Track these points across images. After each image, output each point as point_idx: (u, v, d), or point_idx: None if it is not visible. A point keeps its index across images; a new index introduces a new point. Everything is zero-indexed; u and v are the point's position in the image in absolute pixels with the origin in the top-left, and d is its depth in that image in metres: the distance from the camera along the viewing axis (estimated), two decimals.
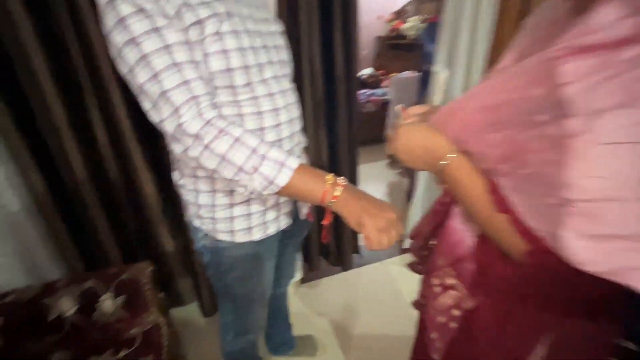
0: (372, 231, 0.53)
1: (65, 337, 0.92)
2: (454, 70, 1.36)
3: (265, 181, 0.54)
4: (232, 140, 0.54)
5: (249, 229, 0.72)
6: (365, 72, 4.05)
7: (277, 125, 0.69)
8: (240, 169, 0.54)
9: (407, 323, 1.51)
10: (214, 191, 0.69)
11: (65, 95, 1.02)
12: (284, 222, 0.79)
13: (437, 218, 0.64)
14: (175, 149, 0.56)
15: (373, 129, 3.40)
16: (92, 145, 1.11)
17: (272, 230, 0.76)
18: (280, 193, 0.57)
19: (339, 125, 1.46)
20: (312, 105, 1.35)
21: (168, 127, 0.54)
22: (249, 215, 0.71)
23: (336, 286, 1.71)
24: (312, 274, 1.74)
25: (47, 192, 1.06)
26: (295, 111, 0.75)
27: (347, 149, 1.56)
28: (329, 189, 0.55)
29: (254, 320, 0.90)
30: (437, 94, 1.42)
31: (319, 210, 1.79)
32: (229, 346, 0.96)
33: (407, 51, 4.01)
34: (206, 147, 0.54)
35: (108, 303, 0.94)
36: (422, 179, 1.75)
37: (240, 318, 0.87)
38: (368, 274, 1.80)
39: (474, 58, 1.32)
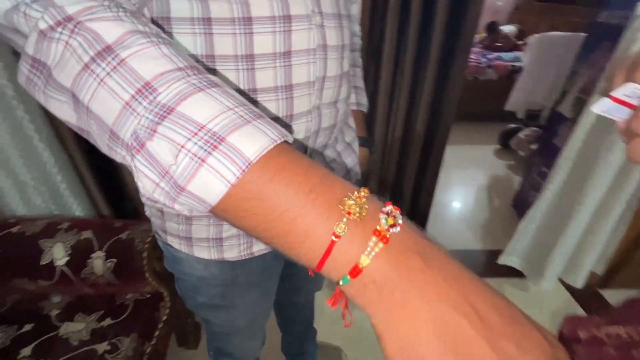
0: None
1: (57, 286, 0.82)
2: None
3: (165, 181, 0.20)
4: (95, 50, 0.20)
5: (218, 240, 0.43)
6: (506, 29, 3.17)
7: (287, 53, 0.34)
8: (110, 134, 0.21)
9: None
10: None
11: None
12: None
13: None
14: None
15: (488, 102, 2.70)
16: None
17: (260, 247, 0.46)
18: (218, 214, 0.21)
19: (430, 90, 1.02)
20: (394, 49, 0.93)
21: None
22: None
23: None
24: None
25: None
26: (335, 33, 0.39)
27: (435, 124, 1.11)
28: (351, 238, 0.19)
29: (236, 350, 0.65)
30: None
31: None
32: None
33: (562, 2, 2.96)
34: (31, 60, 0.21)
35: (98, 263, 0.80)
36: (557, 181, 1.19)
37: (218, 343, 0.63)
38: None
39: None
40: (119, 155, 0.21)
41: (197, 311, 0.55)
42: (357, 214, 0.20)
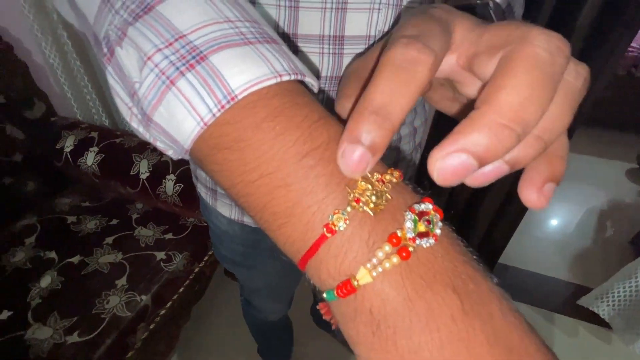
0: None
1: (139, 194, 0.97)
2: None
3: (134, 103, 0.16)
4: None
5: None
6: None
7: None
8: (94, 39, 0.18)
9: None
10: None
11: None
12: None
13: None
14: None
15: (638, 109, 2.12)
16: None
17: None
18: (196, 162, 0.18)
19: None
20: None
21: None
22: None
23: None
24: None
25: None
26: None
27: None
28: (351, 238, 0.13)
29: (259, 306, 0.67)
30: None
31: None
32: (242, 305, 0.79)
33: None
34: None
35: (169, 185, 0.90)
36: None
37: (245, 294, 0.66)
38: None
39: None
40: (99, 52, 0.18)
41: (222, 262, 0.57)
42: (371, 205, 0.13)
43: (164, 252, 0.88)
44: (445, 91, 0.20)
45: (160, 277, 0.84)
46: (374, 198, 0.13)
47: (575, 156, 2.07)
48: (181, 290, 0.89)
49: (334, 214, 0.13)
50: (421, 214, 0.13)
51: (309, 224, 0.14)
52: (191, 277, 0.92)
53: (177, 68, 0.14)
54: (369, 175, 0.14)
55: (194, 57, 0.14)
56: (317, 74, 0.29)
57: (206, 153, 0.16)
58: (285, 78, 0.15)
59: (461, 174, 0.12)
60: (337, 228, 0.13)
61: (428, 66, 0.13)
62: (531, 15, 0.82)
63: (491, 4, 0.23)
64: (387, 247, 0.13)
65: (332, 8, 0.26)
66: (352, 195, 0.14)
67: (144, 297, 0.79)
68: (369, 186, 0.14)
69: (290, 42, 0.28)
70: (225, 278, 1.24)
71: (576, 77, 0.13)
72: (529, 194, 0.15)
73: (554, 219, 1.70)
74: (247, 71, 0.14)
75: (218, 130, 0.15)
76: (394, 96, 0.13)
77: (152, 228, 0.94)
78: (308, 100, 0.16)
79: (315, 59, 0.28)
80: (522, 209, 1.13)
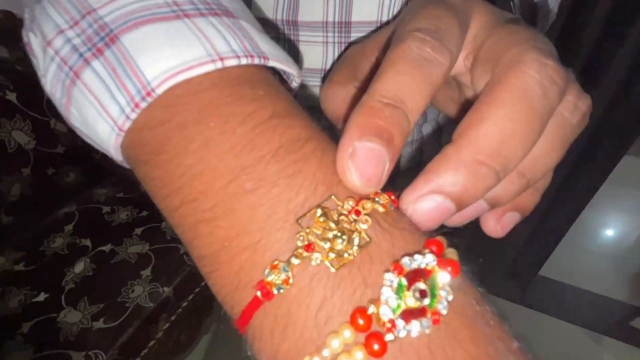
0: None
1: None
2: None
3: (58, 93, 0.12)
4: None
5: None
6: None
7: None
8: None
9: None
10: None
11: None
12: None
13: None
14: None
15: None
16: None
17: None
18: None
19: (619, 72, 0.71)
20: None
21: None
22: None
23: None
24: None
25: None
26: None
27: (607, 127, 0.80)
28: (296, 310, 0.08)
29: None
30: None
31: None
32: None
33: None
34: None
35: None
36: None
37: None
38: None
39: None
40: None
41: None
42: (327, 257, 0.09)
43: None
44: (450, 91, 0.16)
45: (182, 270, 0.85)
46: (339, 244, 0.08)
47: (638, 160, 1.84)
48: (202, 284, 0.90)
49: (272, 267, 0.09)
50: (415, 276, 0.08)
51: (240, 278, 0.10)
52: None
53: (81, 55, 0.11)
54: (338, 203, 0.09)
55: (102, 39, 0.11)
56: (320, 66, 0.26)
57: (132, 166, 0.12)
58: (231, 62, 0.11)
59: (437, 217, 0.10)
60: (276, 289, 0.09)
61: (444, 69, 0.10)
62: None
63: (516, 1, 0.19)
64: (348, 333, 0.08)
65: None
66: (302, 237, 0.09)
67: (166, 288, 0.81)
68: (332, 224, 0.09)
69: (290, 30, 0.25)
70: None
71: (573, 111, 0.11)
72: (486, 219, 0.13)
73: (610, 230, 1.52)
74: (171, 56, 0.10)
75: (137, 137, 0.11)
76: (409, 91, 0.10)
77: None
78: (264, 92, 0.11)
79: (318, 48, 0.25)
80: (570, 216, 1.01)
